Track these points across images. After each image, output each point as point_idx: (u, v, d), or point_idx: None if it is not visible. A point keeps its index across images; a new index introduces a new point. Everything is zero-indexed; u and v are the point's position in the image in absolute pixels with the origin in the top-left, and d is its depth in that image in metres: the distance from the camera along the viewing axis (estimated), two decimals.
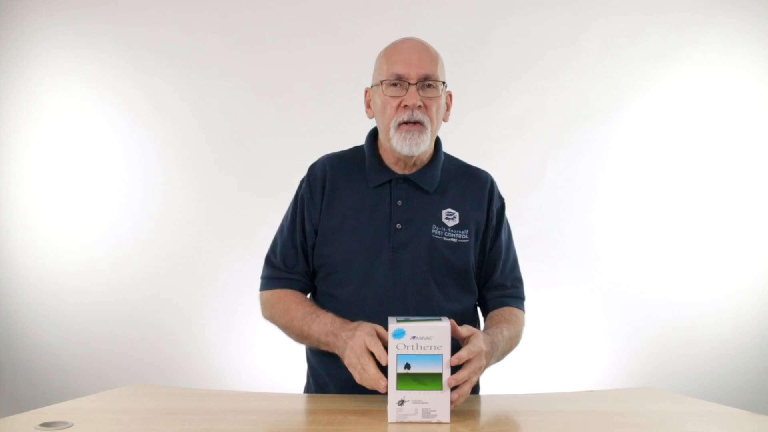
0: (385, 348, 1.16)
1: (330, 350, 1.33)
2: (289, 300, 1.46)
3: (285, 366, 2.84)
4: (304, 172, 1.57)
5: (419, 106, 1.38)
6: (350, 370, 1.21)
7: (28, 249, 3.12)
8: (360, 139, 1.62)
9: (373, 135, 1.53)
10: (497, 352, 1.33)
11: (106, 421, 1.13)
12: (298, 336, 1.42)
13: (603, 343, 3.06)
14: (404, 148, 1.39)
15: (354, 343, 1.21)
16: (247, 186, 3.10)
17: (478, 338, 1.22)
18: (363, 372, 1.18)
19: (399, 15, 3.06)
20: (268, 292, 1.51)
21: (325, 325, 1.34)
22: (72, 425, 1.07)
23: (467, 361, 1.18)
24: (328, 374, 1.46)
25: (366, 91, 1.51)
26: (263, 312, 1.51)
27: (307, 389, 1.57)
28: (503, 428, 1.16)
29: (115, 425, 1.11)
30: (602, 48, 3.07)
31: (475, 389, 1.55)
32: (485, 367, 1.25)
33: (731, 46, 3.05)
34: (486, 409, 1.33)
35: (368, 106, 1.50)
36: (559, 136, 3.09)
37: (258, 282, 1.57)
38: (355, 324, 1.27)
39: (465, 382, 1.17)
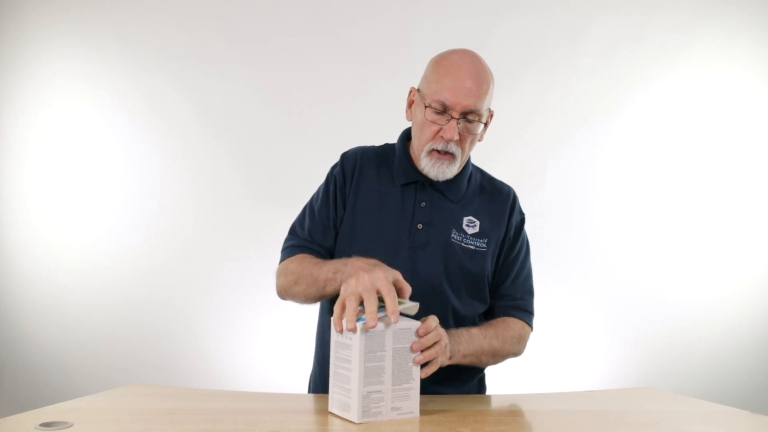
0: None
1: (332, 286, 1.27)
2: (304, 257, 1.43)
3: (285, 366, 2.84)
4: (304, 173, 1.57)
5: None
6: (342, 295, 1.15)
7: (28, 249, 3.12)
8: (360, 139, 1.62)
9: (407, 134, 1.54)
10: (456, 337, 1.31)
11: (106, 421, 1.13)
12: (307, 283, 1.35)
13: (603, 343, 3.06)
14: (431, 173, 1.41)
15: (368, 275, 1.14)
16: (248, 186, 3.10)
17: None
18: (349, 304, 1.11)
19: (399, 15, 3.06)
20: (287, 260, 1.46)
21: (339, 260, 1.31)
22: (72, 425, 1.07)
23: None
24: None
25: (411, 91, 1.48)
26: (278, 284, 1.46)
27: (314, 387, 1.57)
28: (503, 428, 1.16)
29: (115, 425, 1.10)
30: (602, 48, 3.07)
31: (480, 389, 1.56)
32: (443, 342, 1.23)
33: (731, 46, 3.05)
34: (487, 408, 1.33)
35: (409, 106, 1.48)
36: (559, 136, 3.09)
37: (259, 279, 1.56)
38: (375, 261, 1.23)
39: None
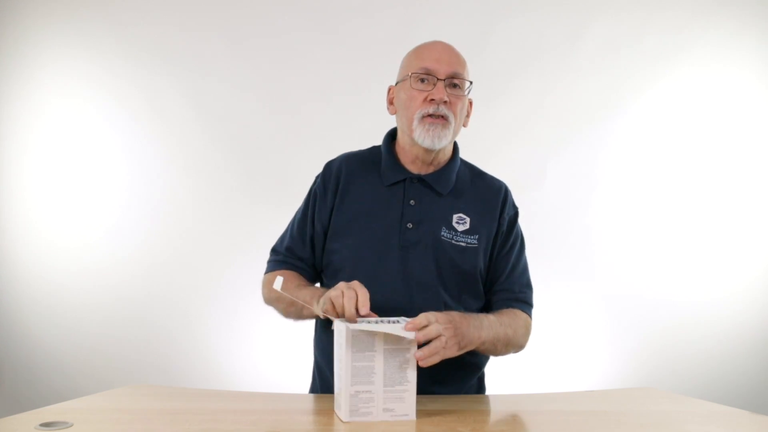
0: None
1: (308, 310, 1.31)
2: (286, 274, 1.48)
3: (285, 366, 2.84)
4: (304, 172, 1.57)
5: (445, 102, 1.39)
6: (332, 298, 1.20)
7: (28, 249, 3.12)
8: (360, 138, 1.62)
9: (391, 135, 1.55)
10: (477, 322, 1.31)
11: (106, 421, 1.13)
12: (286, 303, 1.42)
13: (603, 343, 3.06)
14: (426, 141, 1.41)
15: (344, 283, 1.22)
16: (247, 186, 3.10)
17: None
18: (349, 296, 1.17)
19: (399, 15, 3.06)
20: (270, 273, 1.53)
21: (318, 289, 1.37)
22: (72, 425, 1.07)
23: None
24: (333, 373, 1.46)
25: (389, 89, 1.52)
26: (263, 293, 1.52)
27: (313, 388, 1.58)
28: (504, 428, 1.16)
29: (115, 425, 1.10)
30: (602, 48, 3.07)
31: (479, 389, 1.56)
32: (449, 324, 1.22)
33: (731, 46, 3.05)
34: (487, 408, 1.33)
35: (391, 102, 1.52)
36: (559, 136, 3.09)
37: (259, 279, 1.57)
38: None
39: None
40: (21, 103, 3.12)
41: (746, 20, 3.05)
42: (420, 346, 1.16)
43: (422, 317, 1.19)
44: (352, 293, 1.19)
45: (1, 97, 3.13)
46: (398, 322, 1.18)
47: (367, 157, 1.53)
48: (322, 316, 1.27)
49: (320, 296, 1.29)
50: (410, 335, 1.13)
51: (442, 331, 1.19)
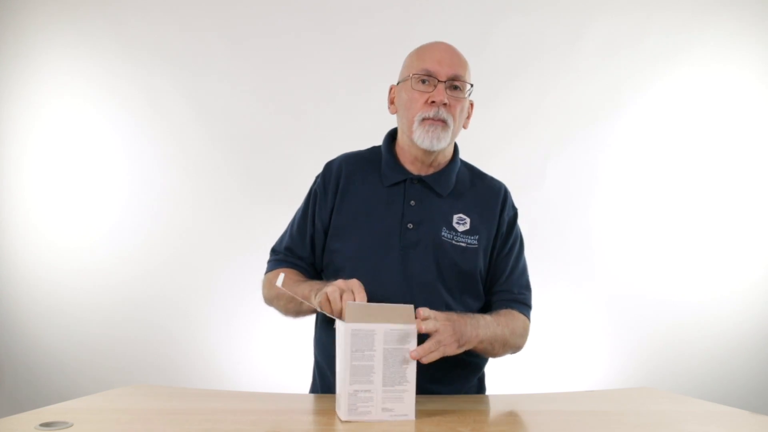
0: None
1: (308, 303, 1.32)
2: (287, 271, 1.49)
3: (285, 366, 2.84)
4: (304, 172, 1.57)
5: (444, 104, 1.40)
6: (328, 293, 1.22)
7: (28, 249, 3.12)
8: (360, 138, 1.63)
9: (391, 135, 1.56)
10: (474, 321, 1.32)
11: (106, 421, 1.13)
12: (286, 299, 1.43)
13: (603, 343, 3.06)
14: (425, 142, 1.42)
15: (342, 281, 1.24)
16: (248, 186, 3.10)
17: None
18: (346, 299, 1.19)
19: (399, 15, 3.06)
20: (270, 273, 1.54)
21: (316, 283, 1.38)
22: (72, 425, 1.07)
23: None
24: (334, 374, 1.46)
25: (391, 88, 1.54)
26: (263, 293, 1.53)
27: (313, 388, 1.58)
28: (504, 428, 1.16)
29: (115, 425, 1.10)
30: (602, 48, 3.07)
31: (479, 389, 1.56)
32: (449, 322, 1.24)
33: (731, 46, 3.05)
34: (487, 408, 1.33)
35: (391, 102, 1.53)
36: (559, 136, 3.09)
37: (258, 279, 1.57)
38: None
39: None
40: (21, 103, 3.12)
41: (746, 20, 3.05)
42: (419, 343, 1.17)
43: (426, 309, 1.21)
44: (349, 296, 1.20)
45: (1, 97, 3.13)
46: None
47: (367, 158, 1.54)
48: (318, 309, 1.27)
49: (319, 289, 1.29)
50: (411, 325, 1.14)
51: (440, 327, 1.20)
